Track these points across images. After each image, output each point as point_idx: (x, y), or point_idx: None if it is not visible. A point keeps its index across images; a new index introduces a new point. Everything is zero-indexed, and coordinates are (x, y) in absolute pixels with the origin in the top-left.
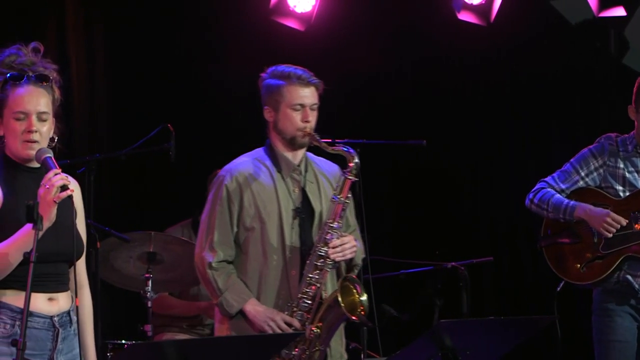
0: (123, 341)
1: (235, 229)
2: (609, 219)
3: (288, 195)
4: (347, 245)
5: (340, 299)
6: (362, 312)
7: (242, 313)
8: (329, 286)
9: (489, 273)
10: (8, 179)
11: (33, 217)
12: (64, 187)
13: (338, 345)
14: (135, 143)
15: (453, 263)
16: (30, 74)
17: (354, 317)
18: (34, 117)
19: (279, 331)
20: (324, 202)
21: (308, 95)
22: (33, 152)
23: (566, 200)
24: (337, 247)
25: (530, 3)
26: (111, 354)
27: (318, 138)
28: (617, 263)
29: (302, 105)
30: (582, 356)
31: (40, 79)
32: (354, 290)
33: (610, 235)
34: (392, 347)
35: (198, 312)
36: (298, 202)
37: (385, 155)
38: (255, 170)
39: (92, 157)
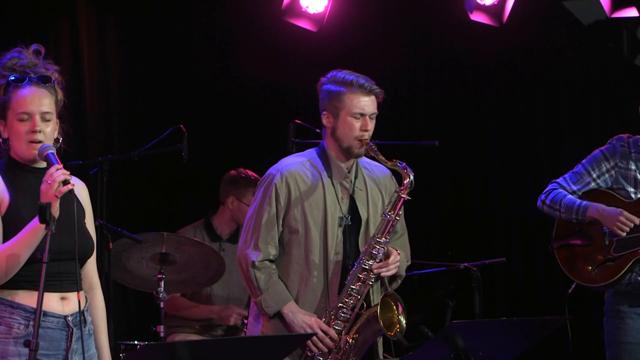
0: (136, 342)
1: (280, 229)
2: (622, 218)
3: (336, 202)
4: (391, 260)
5: (379, 314)
6: (399, 330)
7: (279, 314)
8: (375, 297)
9: (502, 274)
10: (14, 180)
11: (45, 217)
12: (65, 182)
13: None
14: (148, 144)
15: (465, 264)
16: (32, 75)
17: (390, 334)
18: (37, 118)
19: (315, 338)
20: (371, 210)
21: (369, 104)
22: (36, 152)
23: (578, 201)
24: (382, 262)
25: (542, 4)
26: (124, 354)
27: (375, 149)
28: (628, 265)
29: (362, 114)
30: (594, 358)
31: (43, 80)
32: (394, 308)
33: (624, 234)
34: (405, 348)
35: (210, 316)
36: (345, 209)
37: (397, 156)
38: (306, 172)
39: (105, 157)
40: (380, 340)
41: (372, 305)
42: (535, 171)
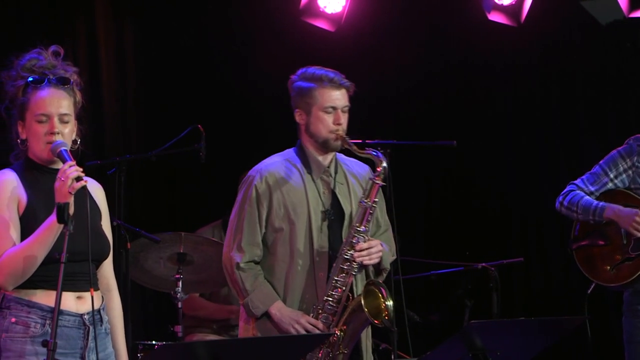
0: (153, 342)
1: (263, 230)
2: (638, 218)
3: (318, 197)
4: (373, 249)
5: (363, 303)
6: (387, 317)
7: (267, 315)
8: (360, 287)
9: (520, 274)
10: (32, 181)
11: (64, 217)
12: (78, 179)
13: (368, 347)
14: (166, 144)
15: (483, 264)
16: (51, 76)
17: (377, 322)
18: (55, 119)
19: (304, 333)
20: (354, 203)
21: (340, 97)
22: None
23: (595, 202)
24: (363, 250)
25: (560, 4)
26: (141, 354)
27: (349, 141)
28: None
29: (334, 108)
30: (613, 357)
31: (61, 82)
32: (380, 295)
33: None
34: (423, 348)
35: (229, 316)
36: (328, 204)
37: (415, 156)
38: (285, 171)
39: (123, 158)
40: (365, 334)
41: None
42: (553, 171)
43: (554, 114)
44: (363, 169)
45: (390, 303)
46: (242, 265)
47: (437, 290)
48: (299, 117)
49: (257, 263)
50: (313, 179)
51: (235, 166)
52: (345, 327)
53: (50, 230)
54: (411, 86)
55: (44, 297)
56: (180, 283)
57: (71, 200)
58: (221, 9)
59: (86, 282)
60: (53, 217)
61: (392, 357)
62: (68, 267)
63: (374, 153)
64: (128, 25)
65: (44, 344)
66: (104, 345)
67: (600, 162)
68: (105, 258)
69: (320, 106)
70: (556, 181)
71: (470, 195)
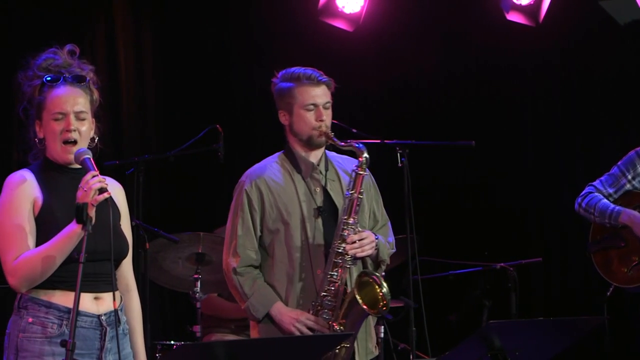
0: (172, 342)
1: (259, 233)
2: None
3: (310, 195)
4: (365, 240)
5: (357, 295)
6: (384, 305)
7: (269, 317)
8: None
9: (538, 274)
10: (48, 181)
11: (82, 218)
12: (101, 190)
13: (365, 341)
14: (184, 144)
15: (502, 264)
16: (67, 75)
17: (373, 312)
18: (72, 117)
19: (306, 331)
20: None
21: (319, 94)
22: (72, 156)
23: (612, 206)
24: (354, 242)
25: (579, 3)
26: (160, 354)
27: (333, 136)
28: None
29: (315, 105)
30: (632, 358)
31: (77, 80)
32: (374, 284)
33: None
34: (441, 347)
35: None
36: (320, 201)
37: (434, 156)
38: (275, 173)
39: (141, 158)
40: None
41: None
42: (572, 171)
43: (572, 113)
44: (354, 164)
45: (385, 290)
46: (238, 270)
47: (456, 290)
48: (282, 118)
49: (255, 267)
50: (303, 178)
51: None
52: (344, 320)
53: (69, 237)
54: (429, 86)
55: (62, 298)
56: (199, 283)
57: (93, 210)
58: (240, 9)
59: (105, 283)
60: (73, 225)
61: (411, 357)
62: (87, 268)
63: (356, 145)
64: (147, 25)
65: (63, 343)
66: (122, 345)
67: (618, 163)
68: (124, 258)
69: (300, 104)
70: (575, 181)
71: (489, 196)
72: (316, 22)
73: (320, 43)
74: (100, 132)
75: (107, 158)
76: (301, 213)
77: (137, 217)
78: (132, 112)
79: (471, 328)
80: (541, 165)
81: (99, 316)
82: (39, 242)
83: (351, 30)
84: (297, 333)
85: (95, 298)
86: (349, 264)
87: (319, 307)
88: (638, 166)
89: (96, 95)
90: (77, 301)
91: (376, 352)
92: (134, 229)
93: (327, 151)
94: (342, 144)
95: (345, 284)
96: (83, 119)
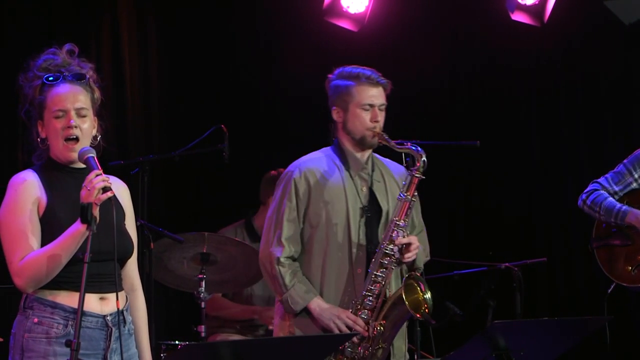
0: (177, 342)
1: (301, 225)
2: None
3: (356, 194)
4: (413, 245)
5: (404, 296)
6: (426, 310)
7: (306, 310)
8: (393, 285)
9: (543, 274)
10: (52, 181)
11: (87, 217)
12: (105, 189)
13: (402, 344)
14: (189, 144)
15: (507, 264)
16: (67, 73)
17: (418, 315)
18: (72, 113)
19: (344, 328)
20: (390, 201)
21: (377, 95)
22: (75, 155)
23: (618, 205)
24: (404, 244)
25: (583, 3)
26: (165, 354)
27: (387, 138)
28: None
29: (371, 105)
30: (633, 358)
31: (77, 78)
32: (418, 289)
33: None
34: (446, 347)
35: (252, 316)
36: (365, 200)
37: (439, 156)
38: (324, 167)
39: (146, 158)
40: (404, 339)
41: (396, 290)
42: (577, 171)
43: (577, 113)
44: (398, 169)
45: (428, 296)
46: (282, 260)
47: (460, 290)
48: (336, 114)
49: (295, 259)
50: (351, 176)
51: (259, 166)
52: (384, 321)
53: (74, 236)
54: (434, 86)
55: (67, 298)
56: (204, 283)
57: (97, 209)
58: (245, 8)
59: (109, 283)
60: (77, 224)
61: (415, 357)
62: (92, 268)
63: (414, 148)
64: (152, 25)
65: (68, 343)
66: (127, 345)
67: (625, 160)
68: (129, 257)
69: (357, 103)
70: (580, 181)
71: (494, 195)
72: (321, 22)
73: (325, 43)
74: (103, 130)
75: (112, 158)
76: (346, 210)
77: (142, 217)
78: (137, 112)
79: (476, 328)
80: (546, 165)
81: (104, 316)
82: (44, 242)
83: (356, 30)
84: (336, 330)
85: (101, 298)
86: (395, 266)
87: (359, 307)
88: None
89: (97, 93)
90: (82, 301)
91: (408, 356)
92: (138, 228)
93: (373, 152)
94: (399, 146)
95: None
96: (84, 116)
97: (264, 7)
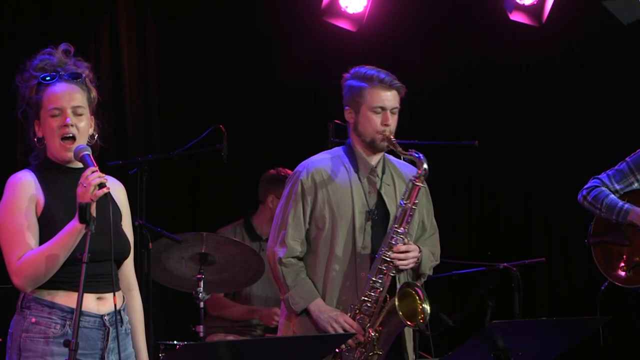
0: (175, 342)
1: (307, 226)
2: None
3: (363, 197)
4: (410, 254)
5: (398, 305)
6: (422, 320)
7: (306, 311)
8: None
9: (542, 274)
10: (50, 181)
11: (85, 217)
12: (101, 185)
13: (411, 349)
14: (188, 144)
15: (505, 264)
16: (63, 73)
17: (411, 324)
18: (69, 112)
19: (341, 332)
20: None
21: (389, 98)
22: (71, 154)
23: (620, 203)
24: (400, 253)
25: (582, 3)
26: (163, 354)
27: (395, 142)
28: None
29: (383, 108)
30: (629, 357)
31: (73, 77)
32: (416, 296)
33: None
34: (444, 347)
35: (251, 316)
36: (372, 204)
37: (437, 155)
38: (332, 168)
39: (145, 157)
40: (409, 335)
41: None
42: (576, 171)
43: (576, 113)
44: (411, 171)
45: (426, 306)
46: (284, 260)
47: (459, 291)
48: (348, 115)
49: (300, 259)
50: (360, 178)
51: (257, 166)
52: (380, 328)
53: (71, 234)
54: (433, 86)
55: (65, 298)
56: (202, 283)
57: (93, 205)
58: (244, 9)
59: (106, 283)
60: (74, 222)
61: (414, 357)
62: (89, 269)
63: (416, 155)
64: (151, 25)
65: (66, 343)
66: (124, 345)
67: (627, 159)
68: (126, 258)
69: (369, 106)
70: (579, 181)
71: (493, 195)
72: (319, 22)
73: (323, 43)
74: (100, 130)
75: (110, 158)
76: (352, 213)
77: (141, 217)
78: (135, 112)
79: (475, 328)
80: (545, 165)
81: (102, 316)
82: (42, 241)
83: (354, 30)
84: (332, 332)
85: (98, 298)
86: (393, 273)
87: (357, 311)
88: None
89: (94, 92)
90: (80, 301)
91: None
92: (137, 228)
93: (385, 154)
94: (404, 152)
95: (388, 292)
96: (80, 114)
97: (263, 7)
